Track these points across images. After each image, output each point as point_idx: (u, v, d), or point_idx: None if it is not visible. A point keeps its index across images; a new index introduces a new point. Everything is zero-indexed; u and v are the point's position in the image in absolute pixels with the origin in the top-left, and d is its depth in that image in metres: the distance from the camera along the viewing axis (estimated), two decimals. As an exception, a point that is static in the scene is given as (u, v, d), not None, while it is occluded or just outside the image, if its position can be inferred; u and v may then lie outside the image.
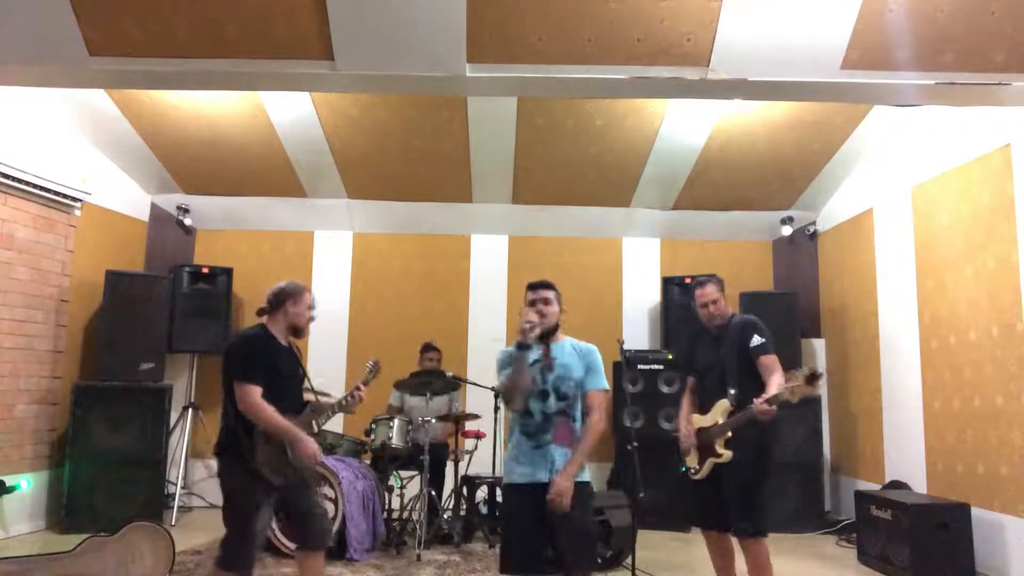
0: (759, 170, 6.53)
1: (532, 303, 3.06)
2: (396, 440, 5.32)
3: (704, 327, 3.84)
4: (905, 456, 5.68)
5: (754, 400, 3.39)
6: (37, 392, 5.76)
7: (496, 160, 6.45)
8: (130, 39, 3.73)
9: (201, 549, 5.05)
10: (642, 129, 5.98)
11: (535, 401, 2.99)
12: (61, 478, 5.75)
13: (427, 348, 6.17)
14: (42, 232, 5.79)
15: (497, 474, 5.70)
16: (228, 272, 6.83)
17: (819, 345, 7.13)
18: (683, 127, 5.92)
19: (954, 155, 5.20)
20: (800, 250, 7.41)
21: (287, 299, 3.38)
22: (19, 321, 5.57)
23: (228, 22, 3.67)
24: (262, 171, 6.67)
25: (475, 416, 5.71)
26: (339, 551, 4.82)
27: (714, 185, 6.74)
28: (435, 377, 5.59)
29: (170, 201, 7.13)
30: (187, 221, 7.18)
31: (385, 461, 5.45)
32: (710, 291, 3.77)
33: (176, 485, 6.27)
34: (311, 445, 3.25)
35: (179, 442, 6.55)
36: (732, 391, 3.56)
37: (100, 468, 5.73)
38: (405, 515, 5.53)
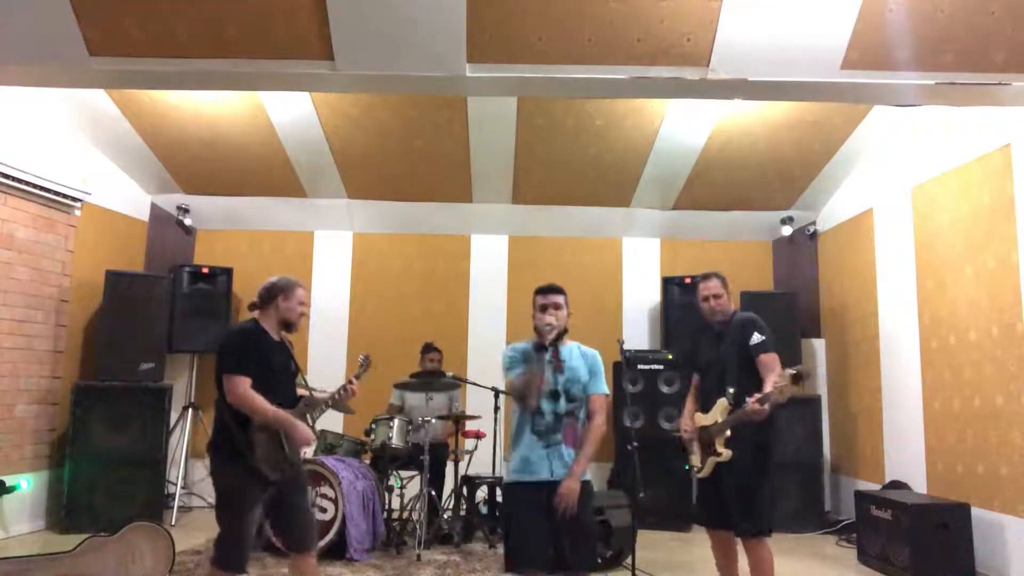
0: (759, 170, 6.53)
1: (543, 308, 3.12)
2: (396, 440, 5.32)
3: (708, 324, 3.84)
4: (905, 456, 5.68)
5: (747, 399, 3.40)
6: (37, 392, 5.76)
7: (496, 160, 6.45)
8: (130, 39, 3.73)
9: (201, 549, 5.05)
10: (642, 129, 5.98)
11: (547, 401, 3.06)
12: (61, 478, 5.75)
13: (428, 349, 6.17)
14: (42, 232, 5.79)
15: (497, 474, 5.70)
16: (228, 272, 6.83)
17: (819, 345, 7.13)
18: (683, 127, 5.93)
19: (954, 155, 5.20)
20: (800, 250, 7.41)
21: (278, 294, 3.38)
22: (19, 321, 5.57)
23: (228, 22, 3.67)
24: (262, 171, 6.67)
25: (475, 416, 5.71)
26: (339, 551, 4.82)
27: (714, 185, 6.74)
28: (435, 377, 5.59)
29: (170, 201, 7.13)
30: (187, 221, 7.18)
31: (385, 461, 5.44)
32: (713, 285, 3.76)
33: (176, 485, 6.27)
34: (305, 430, 3.27)
35: (179, 442, 6.56)
36: (731, 390, 3.56)
37: (100, 468, 5.73)
38: (405, 515, 5.53)
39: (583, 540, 3.03)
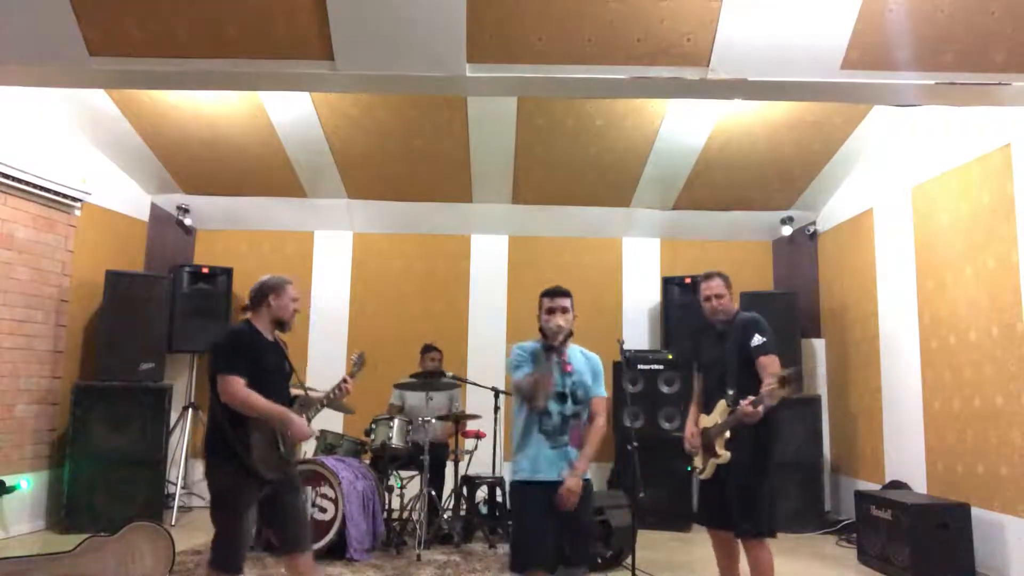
0: (759, 170, 6.53)
1: (551, 311, 3.16)
2: (396, 440, 5.32)
3: (710, 323, 3.83)
4: (905, 456, 5.68)
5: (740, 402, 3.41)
6: (37, 392, 5.76)
7: (496, 160, 6.45)
8: (130, 39, 3.73)
9: (201, 549, 5.04)
10: (642, 129, 5.98)
11: (554, 403, 3.11)
12: (61, 478, 5.75)
13: (428, 349, 6.17)
14: (42, 232, 5.79)
15: (497, 474, 5.71)
16: (228, 272, 6.83)
17: (819, 345, 7.13)
18: (683, 127, 5.92)
19: (954, 155, 5.20)
20: (800, 250, 7.41)
21: (268, 293, 3.36)
22: (19, 321, 5.57)
23: (228, 22, 3.67)
24: (262, 171, 6.67)
25: (475, 416, 5.71)
26: (339, 551, 4.81)
27: (714, 185, 6.74)
28: (435, 377, 5.59)
29: (170, 201, 7.13)
30: (187, 221, 7.18)
31: (385, 461, 5.44)
32: (715, 284, 3.74)
33: (176, 485, 6.26)
34: (303, 424, 3.27)
35: (179, 442, 6.55)
36: (730, 391, 3.56)
37: (100, 468, 5.73)
38: (405, 515, 5.53)
39: (584, 537, 3.10)
